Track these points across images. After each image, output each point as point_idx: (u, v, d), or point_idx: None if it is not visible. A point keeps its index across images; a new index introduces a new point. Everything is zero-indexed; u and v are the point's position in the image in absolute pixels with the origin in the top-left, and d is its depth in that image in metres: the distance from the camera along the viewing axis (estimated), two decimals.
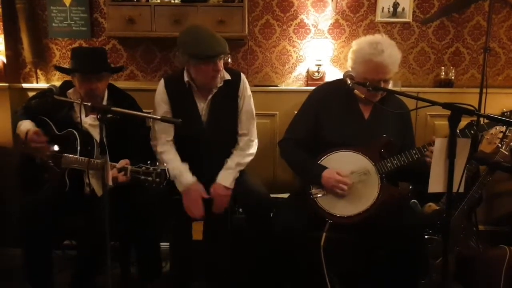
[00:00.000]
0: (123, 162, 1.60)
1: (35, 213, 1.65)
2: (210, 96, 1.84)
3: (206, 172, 1.83)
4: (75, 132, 1.72)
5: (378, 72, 1.62)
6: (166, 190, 1.78)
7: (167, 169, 1.54)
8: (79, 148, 1.69)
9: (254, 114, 1.94)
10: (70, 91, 1.80)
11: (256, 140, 1.95)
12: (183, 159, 1.85)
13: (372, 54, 1.61)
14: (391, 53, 1.62)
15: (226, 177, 1.81)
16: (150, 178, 1.51)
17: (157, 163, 1.55)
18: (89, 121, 1.77)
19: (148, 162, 1.54)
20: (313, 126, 1.77)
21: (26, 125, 1.73)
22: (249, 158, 1.90)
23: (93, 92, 1.74)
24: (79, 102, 1.61)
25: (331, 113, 1.76)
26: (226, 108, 1.87)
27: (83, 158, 1.67)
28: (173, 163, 1.80)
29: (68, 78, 1.85)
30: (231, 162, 1.84)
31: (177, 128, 1.83)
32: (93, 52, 1.94)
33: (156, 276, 1.88)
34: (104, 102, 1.81)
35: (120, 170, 1.56)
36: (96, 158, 1.68)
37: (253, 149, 1.92)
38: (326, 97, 1.80)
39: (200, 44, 1.66)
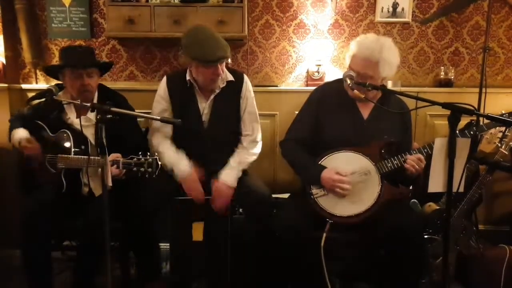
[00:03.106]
0: (113, 156, 1.61)
1: (34, 214, 1.65)
2: (212, 96, 1.84)
3: (206, 171, 1.83)
4: (68, 132, 1.73)
5: (361, 66, 1.62)
6: (166, 191, 1.78)
7: (158, 158, 1.57)
8: (73, 149, 1.69)
9: (258, 115, 1.94)
10: (60, 93, 1.79)
11: (261, 142, 1.95)
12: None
13: (358, 48, 1.64)
14: (376, 50, 1.61)
15: (229, 175, 1.80)
16: (142, 169, 1.54)
17: (148, 153, 1.57)
18: (82, 122, 1.76)
19: (140, 153, 1.57)
20: (313, 126, 1.77)
21: (19, 134, 1.75)
22: (253, 158, 1.90)
23: (85, 88, 1.74)
24: (78, 102, 1.61)
25: (330, 113, 1.76)
26: (228, 109, 1.87)
27: (81, 157, 1.67)
28: (168, 153, 1.81)
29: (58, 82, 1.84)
30: (234, 161, 1.84)
31: (177, 127, 1.83)
32: (81, 48, 1.94)
33: (154, 277, 1.88)
34: (95, 102, 1.81)
35: (111, 163, 1.57)
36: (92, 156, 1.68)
37: (257, 149, 1.93)
38: (326, 97, 1.80)
39: (202, 48, 1.67)
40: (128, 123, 1.82)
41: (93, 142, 1.71)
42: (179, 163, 1.79)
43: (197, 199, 1.80)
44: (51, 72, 1.87)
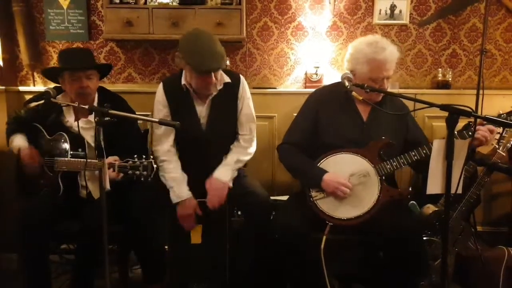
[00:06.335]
0: (110, 159, 1.61)
1: (31, 218, 1.64)
2: (209, 99, 1.84)
3: (206, 173, 1.82)
4: (65, 135, 1.72)
5: (382, 69, 1.64)
6: (163, 191, 1.78)
7: (153, 161, 1.58)
8: (70, 151, 1.69)
9: (254, 116, 1.94)
10: (59, 96, 1.79)
11: (255, 141, 1.95)
12: (184, 161, 1.84)
13: (375, 53, 1.64)
14: (392, 50, 1.66)
15: (224, 173, 1.79)
16: (137, 172, 1.55)
17: (143, 157, 1.57)
18: (80, 124, 1.76)
19: (135, 156, 1.57)
20: (312, 128, 1.77)
21: (18, 141, 1.75)
22: (248, 157, 1.90)
23: (84, 91, 1.73)
24: (76, 104, 1.61)
25: (329, 115, 1.76)
26: (225, 111, 1.86)
27: (78, 160, 1.67)
28: (173, 173, 1.79)
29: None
30: (230, 158, 1.84)
31: (177, 131, 1.82)
32: (80, 51, 1.94)
33: (159, 279, 1.87)
34: (95, 104, 1.80)
35: (108, 166, 1.56)
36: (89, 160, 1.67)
37: (252, 148, 1.92)
38: (325, 100, 1.80)
39: (196, 57, 1.65)
40: (127, 126, 1.81)
41: (92, 144, 1.70)
42: (179, 186, 1.77)
43: (185, 226, 1.78)
44: (50, 75, 1.86)
